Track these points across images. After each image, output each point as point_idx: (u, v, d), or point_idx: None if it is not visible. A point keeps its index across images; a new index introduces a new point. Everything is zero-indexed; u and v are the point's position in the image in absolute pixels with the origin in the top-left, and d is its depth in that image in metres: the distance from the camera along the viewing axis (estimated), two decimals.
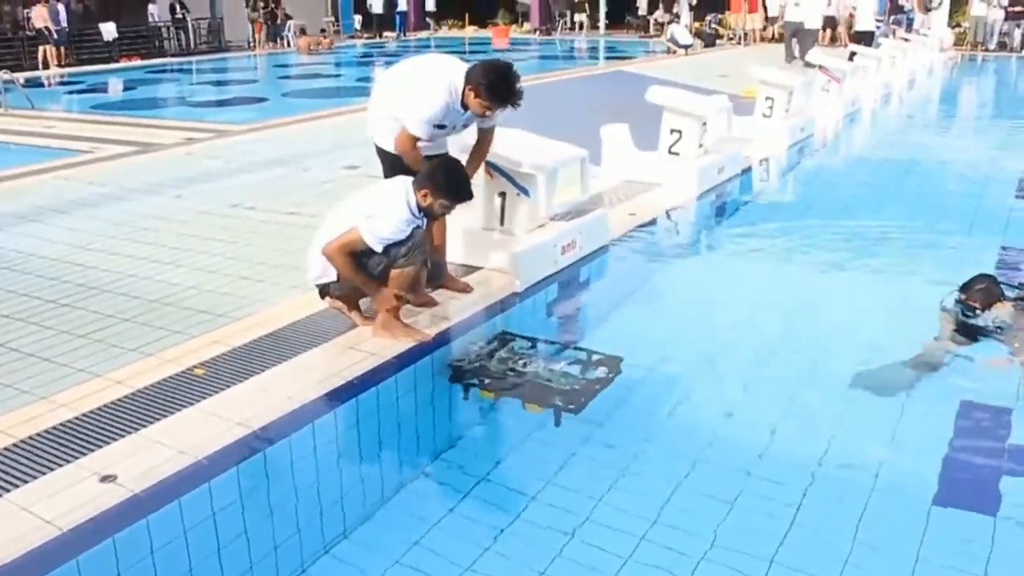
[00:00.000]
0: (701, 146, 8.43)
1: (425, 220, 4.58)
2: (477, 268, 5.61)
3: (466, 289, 5.29)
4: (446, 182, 4.45)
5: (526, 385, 4.39)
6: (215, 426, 3.64)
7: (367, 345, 4.49)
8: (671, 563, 3.14)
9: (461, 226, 5.55)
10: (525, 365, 4.56)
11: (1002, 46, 25.56)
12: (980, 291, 5.06)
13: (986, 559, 3.12)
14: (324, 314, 4.81)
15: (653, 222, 7.35)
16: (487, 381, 4.43)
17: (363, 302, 4.76)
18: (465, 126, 5.01)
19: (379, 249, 4.38)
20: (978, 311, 5.02)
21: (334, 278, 4.54)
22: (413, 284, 4.61)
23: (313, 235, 4.66)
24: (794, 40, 20.06)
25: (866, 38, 18.30)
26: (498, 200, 5.67)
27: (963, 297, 5.09)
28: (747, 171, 9.52)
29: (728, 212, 8.31)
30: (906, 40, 20.62)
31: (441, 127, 4.85)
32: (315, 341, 4.55)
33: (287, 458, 3.58)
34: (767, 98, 11.04)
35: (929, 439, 3.99)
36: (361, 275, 4.47)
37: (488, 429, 4.44)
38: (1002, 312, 5.01)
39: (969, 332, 4.98)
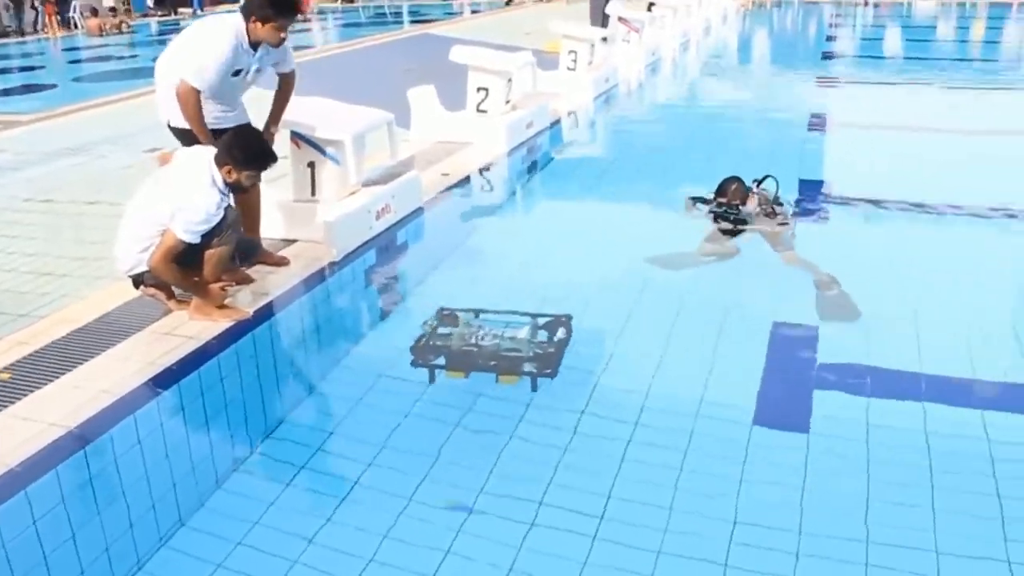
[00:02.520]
0: (508, 102, 8.54)
1: (232, 196, 4.48)
2: (293, 241, 5.54)
3: (283, 262, 5.22)
4: (245, 152, 4.37)
5: (492, 358, 4.28)
6: (27, 430, 3.48)
7: (184, 329, 4.38)
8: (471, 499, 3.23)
9: (273, 199, 5.46)
10: (483, 339, 4.44)
11: None
12: (736, 190, 5.94)
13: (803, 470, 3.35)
14: (137, 303, 4.66)
15: (467, 180, 7.44)
16: (451, 360, 4.28)
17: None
18: (259, 70, 4.92)
19: (197, 241, 4.28)
20: (740, 207, 5.87)
21: (146, 268, 4.39)
22: (227, 263, 4.52)
23: (118, 224, 4.49)
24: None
25: None
26: (307, 170, 5.59)
27: (724, 200, 5.90)
28: (556, 124, 9.72)
29: (539, 165, 8.47)
30: None
31: (236, 73, 4.76)
32: (129, 331, 4.40)
33: (110, 454, 3.46)
34: (570, 52, 11.27)
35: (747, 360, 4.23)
36: (189, 280, 4.37)
37: (317, 401, 4.40)
38: (752, 204, 5.91)
39: (729, 228, 5.79)
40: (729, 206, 5.92)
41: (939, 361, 4.16)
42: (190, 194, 4.29)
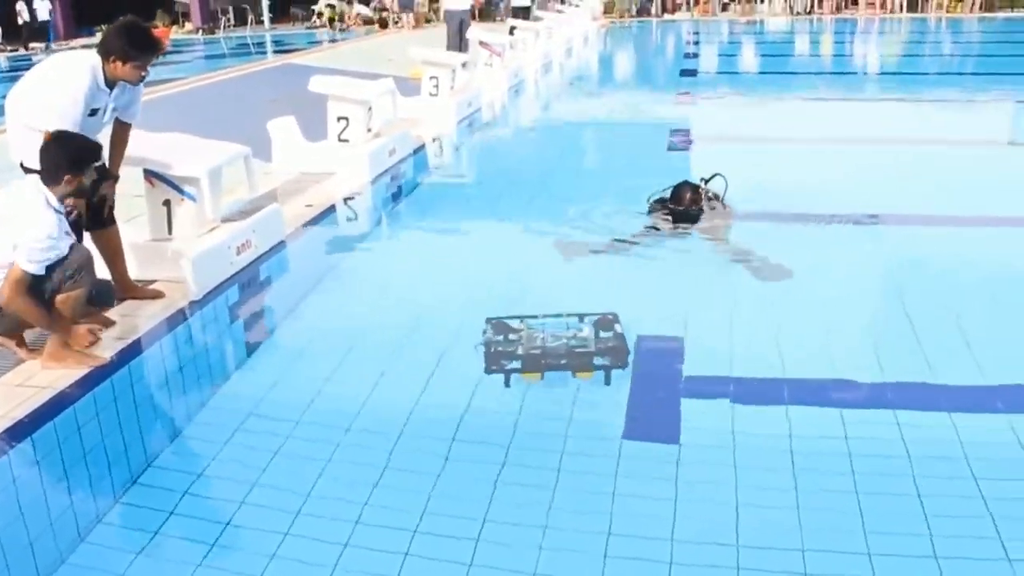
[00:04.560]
0: (370, 130, 8.55)
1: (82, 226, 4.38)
2: (151, 281, 5.42)
3: (157, 295, 5.18)
4: (67, 154, 4.24)
5: (565, 356, 4.40)
6: None
7: (38, 379, 4.23)
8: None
9: (128, 240, 5.33)
10: (547, 340, 4.56)
11: (642, 12, 27.85)
12: (691, 197, 6.57)
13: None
14: None
15: (331, 210, 7.41)
16: (526, 363, 4.38)
17: (28, 334, 4.47)
18: (115, 109, 4.84)
19: (43, 272, 4.13)
20: (693, 208, 6.48)
21: None
22: (82, 307, 4.39)
23: None
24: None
25: (523, 13, 19.19)
26: (163, 208, 5.49)
27: (680, 207, 6.52)
28: (419, 150, 9.77)
29: (404, 192, 8.50)
30: (560, 12, 21.84)
31: (93, 113, 4.67)
32: None
33: None
34: (431, 77, 11.36)
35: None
36: (44, 315, 4.22)
37: (185, 444, 4.30)
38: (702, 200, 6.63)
39: (683, 219, 6.49)
40: (689, 208, 6.52)
41: (800, 365, 4.37)
42: (26, 223, 4.14)
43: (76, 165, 4.24)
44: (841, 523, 3.17)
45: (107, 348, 4.54)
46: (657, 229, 6.43)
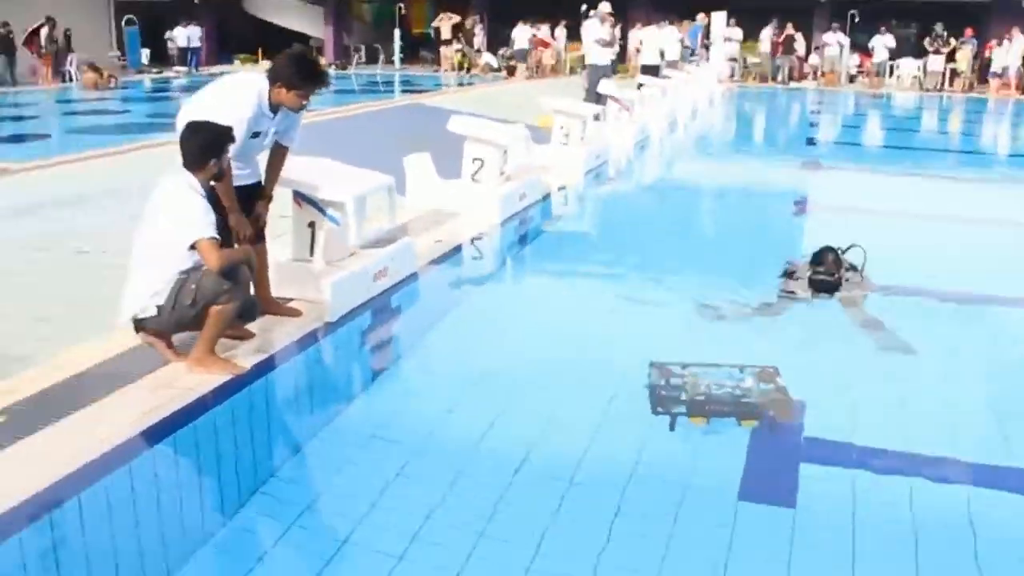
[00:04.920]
0: (503, 174, 8.69)
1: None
2: (290, 299, 5.58)
3: (295, 312, 5.34)
4: (208, 139, 4.50)
5: (728, 404, 4.51)
6: (18, 476, 3.47)
7: (182, 381, 4.40)
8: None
9: (271, 258, 5.51)
10: (711, 388, 4.68)
11: (768, 78, 27.84)
12: (833, 260, 6.45)
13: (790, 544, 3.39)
14: (133, 353, 4.68)
15: (458, 249, 7.53)
16: (691, 409, 4.48)
17: (176, 338, 4.66)
18: (276, 133, 5.04)
19: (216, 235, 4.40)
20: (835, 274, 6.32)
21: (154, 311, 4.44)
22: (232, 320, 4.57)
23: (118, 273, 4.54)
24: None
25: (652, 71, 19.28)
26: (307, 230, 5.67)
27: (821, 268, 6.36)
28: (547, 197, 9.87)
29: (530, 237, 8.59)
30: (688, 72, 21.89)
31: (255, 135, 4.88)
32: (125, 381, 4.41)
33: (104, 502, 3.46)
34: (562, 127, 11.50)
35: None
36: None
37: (303, 460, 4.37)
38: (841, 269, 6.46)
39: (824, 289, 6.33)
40: (827, 273, 6.37)
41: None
42: (180, 211, 4.40)
43: (217, 148, 4.51)
44: None
45: (246, 359, 4.70)
46: (793, 294, 6.34)
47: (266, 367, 4.73)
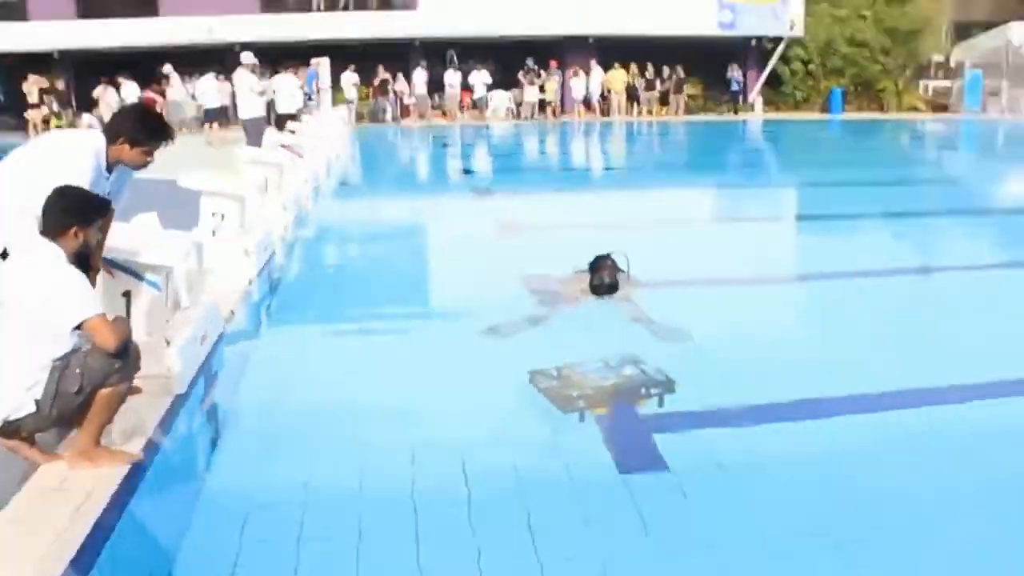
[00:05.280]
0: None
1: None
2: None
3: (135, 390, 4.74)
4: (75, 205, 3.94)
5: (624, 390, 4.95)
6: None
7: (72, 483, 3.81)
8: None
9: None
10: (605, 378, 5.08)
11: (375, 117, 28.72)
12: (609, 266, 7.13)
13: None
14: None
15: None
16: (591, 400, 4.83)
17: (40, 437, 4.02)
18: (110, 193, 4.53)
19: (100, 308, 3.86)
20: (613, 278, 7.09)
21: (32, 408, 3.78)
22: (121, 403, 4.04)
23: None
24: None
25: (292, 118, 18.85)
26: (121, 300, 5.11)
27: (603, 273, 7.07)
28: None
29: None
30: (315, 117, 21.76)
31: None
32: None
33: None
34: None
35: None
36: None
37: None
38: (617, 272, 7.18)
39: (606, 291, 7.06)
40: (608, 277, 7.10)
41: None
42: (52, 288, 3.77)
43: (84, 217, 3.95)
44: None
45: (129, 444, 4.19)
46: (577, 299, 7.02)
47: (155, 446, 4.25)
